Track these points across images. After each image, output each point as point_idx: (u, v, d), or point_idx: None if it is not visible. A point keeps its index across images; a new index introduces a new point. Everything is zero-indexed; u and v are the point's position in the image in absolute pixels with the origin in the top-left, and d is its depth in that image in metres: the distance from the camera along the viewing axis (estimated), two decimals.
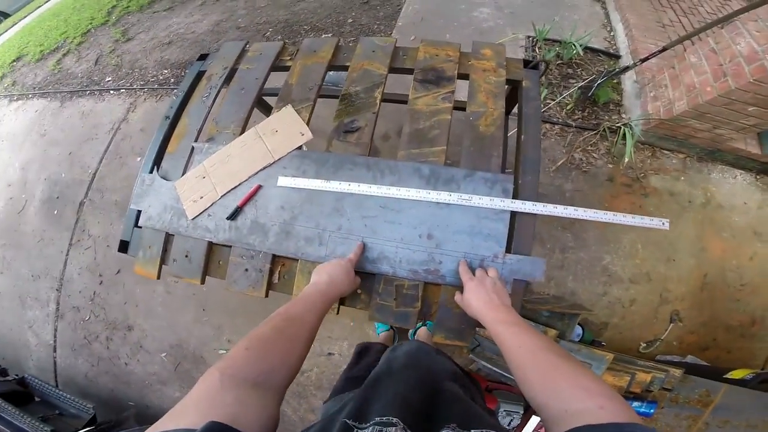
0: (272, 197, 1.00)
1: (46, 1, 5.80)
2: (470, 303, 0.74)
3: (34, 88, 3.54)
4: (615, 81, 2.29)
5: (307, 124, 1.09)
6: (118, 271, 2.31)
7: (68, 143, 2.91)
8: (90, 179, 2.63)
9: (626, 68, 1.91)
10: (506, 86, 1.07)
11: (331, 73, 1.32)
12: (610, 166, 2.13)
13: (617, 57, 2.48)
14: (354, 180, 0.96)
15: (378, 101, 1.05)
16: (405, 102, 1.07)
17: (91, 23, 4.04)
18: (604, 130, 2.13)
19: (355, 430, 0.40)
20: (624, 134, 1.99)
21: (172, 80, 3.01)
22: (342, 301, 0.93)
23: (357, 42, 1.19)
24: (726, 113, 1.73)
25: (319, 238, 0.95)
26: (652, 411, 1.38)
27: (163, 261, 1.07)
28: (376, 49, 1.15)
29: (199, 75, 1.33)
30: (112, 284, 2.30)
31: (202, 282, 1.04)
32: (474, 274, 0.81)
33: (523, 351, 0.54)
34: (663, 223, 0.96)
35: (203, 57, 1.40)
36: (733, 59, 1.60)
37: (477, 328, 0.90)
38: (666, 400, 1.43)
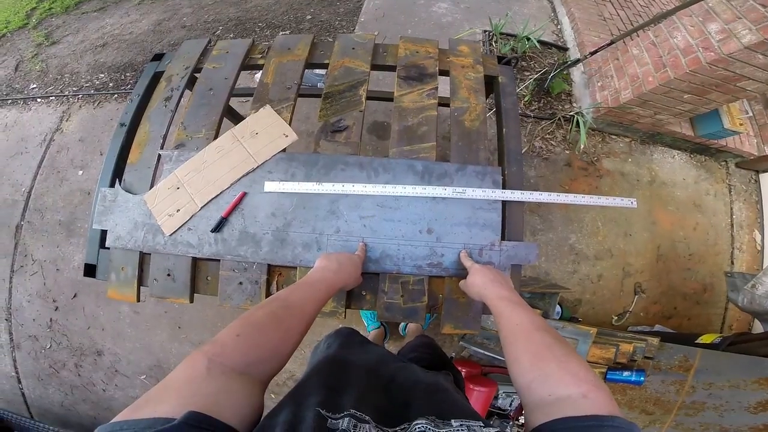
0: (260, 204, 0.97)
1: None
2: (475, 282, 0.74)
3: None
4: (565, 73, 2.47)
5: (289, 124, 1.06)
6: (75, 295, 2.15)
7: None
8: (25, 199, 2.36)
9: (577, 60, 2.07)
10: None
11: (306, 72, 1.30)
12: (567, 152, 2.31)
13: (565, 49, 2.67)
14: (348, 180, 0.96)
15: (364, 99, 1.05)
16: (387, 99, 1.09)
17: (6, 27, 3.58)
18: (559, 119, 2.29)
19: (330, 420, 0.39)
20: (577, 122, 2.16)
21: (111, 85, 2.77)
22: (348, 304, 0.93)
23: (334, 39, 1.18)
24: (665, 100, 1.94)
25: (318, 243, 0.94)
26: (642, 379, 1.44)
27: (141, 282, 0.99)
28: (355, 46, 1.15)
29: (156, 76, 1.24)
30: (69, 309, 2.14)
31: (191, 301, 0.98)
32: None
33: (520, 329, 0.55)
34: (632, 203, 1.06)
35: (158, 57, 1.30)
36: (671, 51, 1.79)
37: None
38: (650, 368, 1.50)
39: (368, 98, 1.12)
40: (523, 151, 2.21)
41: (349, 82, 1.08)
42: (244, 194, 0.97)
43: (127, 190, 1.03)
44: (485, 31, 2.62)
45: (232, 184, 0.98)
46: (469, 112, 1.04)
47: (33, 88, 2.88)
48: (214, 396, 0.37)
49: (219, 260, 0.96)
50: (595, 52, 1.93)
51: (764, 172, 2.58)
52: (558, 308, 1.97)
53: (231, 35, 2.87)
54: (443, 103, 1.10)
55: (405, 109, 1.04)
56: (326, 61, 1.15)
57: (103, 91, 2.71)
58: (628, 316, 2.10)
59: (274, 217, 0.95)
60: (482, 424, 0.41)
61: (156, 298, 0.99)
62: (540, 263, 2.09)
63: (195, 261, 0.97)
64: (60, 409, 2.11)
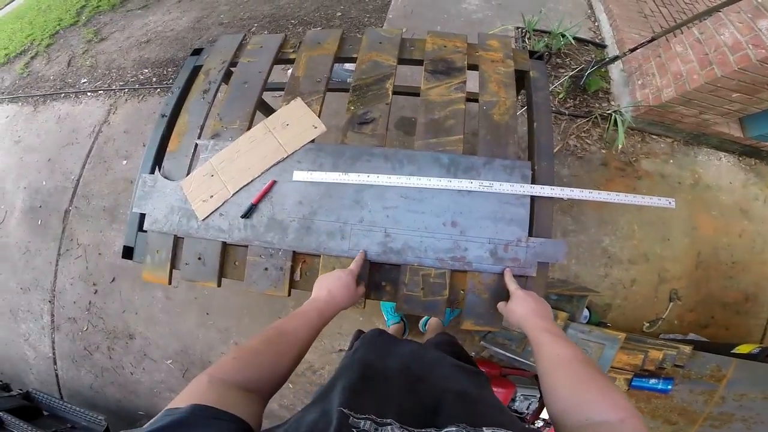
0: (288, 192, 0.99)
1: (7, 4, 5.48)
2: (516, 310, 0.76)
3: (2, 93, 3.37)
4: (603, 70, 2.37)
5: (318, 116, 1.08)
6: (113, 279, 2.26)
7: (46, 149, 2.79)
8: (74, 186, 2.54)
9: (616, 57, 1.98)
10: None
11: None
12: (603, 151, 2.21)
13: (603, 46, 2.56)
14: (373, 171, 0.97)
15: (390, 92, 1.06)
16: (414, 94, 1.08)
17: (59, 24, 3.87)
18: (596, 117, 2.20)
19: (351, 418, 0.40)
20: (615, 121, 2.06)
21: (154, 79, 2.92)
22: (368, 294, 0.94)
23: (362, 34, 1.20)
24: (711, 99, 1.83)
25: (341, 232, 0.95)
26: (669, 387, 1.42)
27: (173, 265, 1.03)
28: (382, 41, 1.15)
29: (195, 70, 1.29)
30: (107, 293, 2.25)
31: (219, 285, 1.01)
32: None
33: (560, 359, 0.57)
34: (669, 202, 1.02)
35: (197, 52, 1.36)
36: (718, 49, 1.69)
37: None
38: (679, 377, 1.46)
39: (396, 93, 1.13)
40: (556, 149, 2.15)
41: (376, 75, 1.09)
42: (274, 182, 1.01)
43: (166, 177, 1.08)
44: (518, 28, 2.56)
45: (262, 173, 1.02)
46: (498, 105, 1.02)
47: (84, 83, 3.10)
48: (217, 398, 0.42)
49: (247, 246, 0.99)
50: (635, 49, 1.84)
51: None
52: (586, 312, 1.89)
53: (265, 31, 2.96)
54: (472, 98, 1.09)
55: (432, 102, 1.04)
56: (354, 55, 1.16)
57: (147, 86, 2.88)
58: (661, 323, 1.99)
59: (301, 205, 0.98)
60: None
61: (186, 281, 1.03)
62: (570, 265, 2.02)
63: (225, 246, 1.01)
64: (89, 392, 2.21)
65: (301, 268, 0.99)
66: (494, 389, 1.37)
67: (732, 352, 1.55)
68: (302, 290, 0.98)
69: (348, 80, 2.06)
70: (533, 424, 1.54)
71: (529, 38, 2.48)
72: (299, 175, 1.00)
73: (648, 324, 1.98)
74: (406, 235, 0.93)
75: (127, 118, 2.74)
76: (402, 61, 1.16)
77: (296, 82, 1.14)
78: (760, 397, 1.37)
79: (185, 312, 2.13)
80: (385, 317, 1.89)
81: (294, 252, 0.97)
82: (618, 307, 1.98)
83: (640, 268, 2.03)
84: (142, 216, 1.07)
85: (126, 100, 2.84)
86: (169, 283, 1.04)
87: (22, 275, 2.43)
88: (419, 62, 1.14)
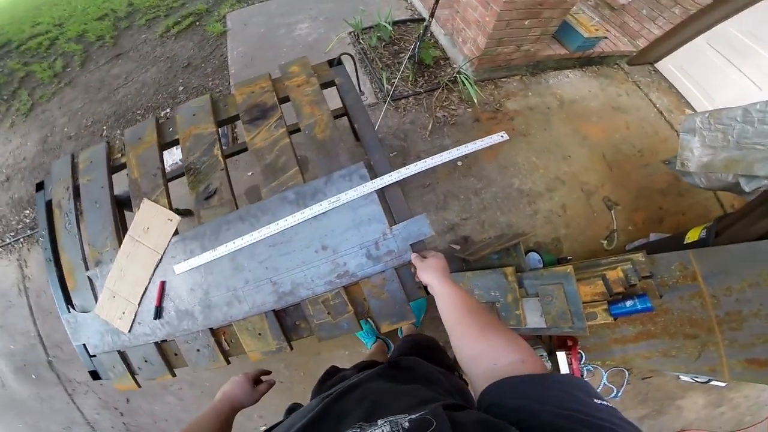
0: (179, 285, 1.10)
1: None
2: (425, 281, 0.86)
3: None
4: (432, 41, 2.65)
5: (170, 208, 1.14)
6: (128, 400, 2.33)
7: None
8: (38, 341, 2.47)
9: (426, 27, 2.24)
10: (323, 90, 1.22)
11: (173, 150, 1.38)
12: (470, 110, 2.46)
13: (422, 20, 2.86)
14: (236, 236, 1.05)
15: (220, 158, 1.14)
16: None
17: None
18: (446, 84, 2.44)
19: None
20: (462, 81, 2.31)
21: None
22: (289, 337, 1.06)
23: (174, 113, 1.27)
24: (515, 32, 2.09)
25: (236, 298, 1.06)
26: (649, 304, 1.31)
27: (132, 372, 1.18)
28: (195, 112, 1.24)
29: (49, 205, 1.30)
30: (132, 412, 2.33)
31: (173, 375, 1.16)
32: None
33: (460, 314, 0.68)
34: (502, 136, 1.17)
35: (40, 186, 1.37)
36: None
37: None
38: (656, 288, 1.37)
39: (231, 155, 1.21)
40: (430, 126, 2.35)
41: (202, 147, 1.17)
42: (164, 282, 1.10)
43: (82, 311, 1.19)
44: (350, 33, 2.79)
45: (150, 279, 1.12)
46: (318, 124, 1.14)
47: None
48: None
49: (174, 339, 1.11)
50: (433, 13, 2.07)
51: (657, 61, 2.80)
52: (537, 257, 1.97)
53: (118, 131, 2.91)
54: (296, 129, 1.20)
55: (259, 149, 1.13)
56: (177, 137, 1.23)
57: (38, 228, 2.68)
58: (617, 234, 2.08)
59: (194, 291, 1.08)
60: (406, 415, 0.45)
61: (147, 380, 1.18)
62: (497, 218, 2.14)
63: (158, 345, 1.13)
64: None
65: (224, 338, 1.10)
66: None
67: (685, 243, 1.48)
68: (236, 354, 1.12)
69: None
70: None
71: (362, 39, 2.72)
72: (179, 268, 1.09)
73: (605, 241, 2.06)
74: (290, 276, 1.02)
75: (43, 268, 2.54)
76: (221, 123, 1.24)
77: (136, 185, 1.19)
78: (747, 285, 1.21)
79: (203, 405, 2.12)
80: (364, 341, 1.94)
81: (211, 329, 1.08)
82: (566, 236, 2.10)
83: (562, 192, 2.21)
84: (84, 345, 1.20)
85: (28, 249, 2.67)
86: (139, 386, 1.20)
87: (55, 417, 2.46)
88: (237, 117, 1.24)
